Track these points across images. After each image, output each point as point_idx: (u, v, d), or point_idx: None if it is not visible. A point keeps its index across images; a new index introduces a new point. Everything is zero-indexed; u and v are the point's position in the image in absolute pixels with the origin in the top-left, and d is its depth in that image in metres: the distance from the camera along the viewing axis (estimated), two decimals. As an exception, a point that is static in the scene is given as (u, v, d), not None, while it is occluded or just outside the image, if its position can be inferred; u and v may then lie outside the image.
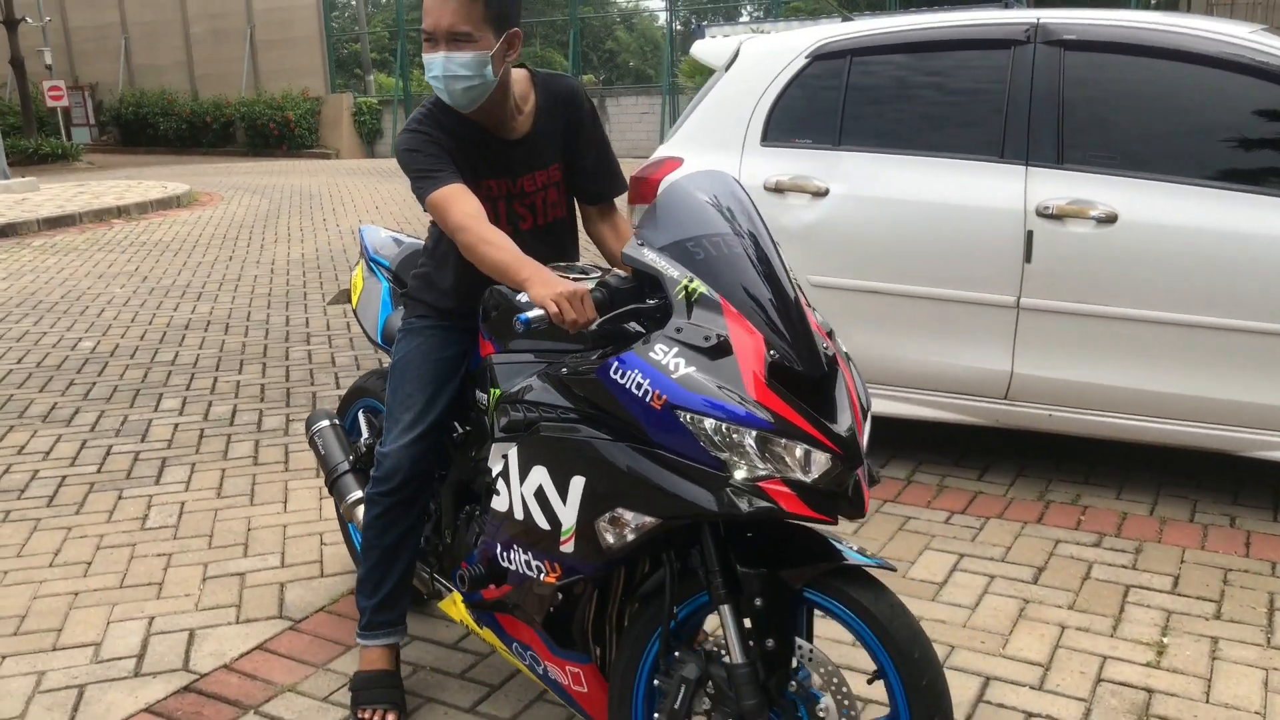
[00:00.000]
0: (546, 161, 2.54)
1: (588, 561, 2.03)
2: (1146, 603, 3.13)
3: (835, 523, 1.86)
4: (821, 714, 1.97)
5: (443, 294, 2.59)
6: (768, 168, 4.14)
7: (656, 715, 2.07)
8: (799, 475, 1.79)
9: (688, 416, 1.82)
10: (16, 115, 24.72)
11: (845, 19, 4.66)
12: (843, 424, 1.84)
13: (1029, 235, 3.71)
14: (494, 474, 2.24)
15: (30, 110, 23.98)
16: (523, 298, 2.24)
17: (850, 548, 1.96)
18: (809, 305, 1.98)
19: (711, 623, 2.17)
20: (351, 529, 3.34)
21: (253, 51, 27.32)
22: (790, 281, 1.96)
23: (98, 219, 11.90)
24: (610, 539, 1.96)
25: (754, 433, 1.78)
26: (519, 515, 2.14)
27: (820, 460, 1.80)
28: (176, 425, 4.93)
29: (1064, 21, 3.82)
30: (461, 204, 2.30)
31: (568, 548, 2.04)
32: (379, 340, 3.05)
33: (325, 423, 3.20)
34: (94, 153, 24.70)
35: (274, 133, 25.40)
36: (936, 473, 4.14)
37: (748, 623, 1.95)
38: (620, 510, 1.92)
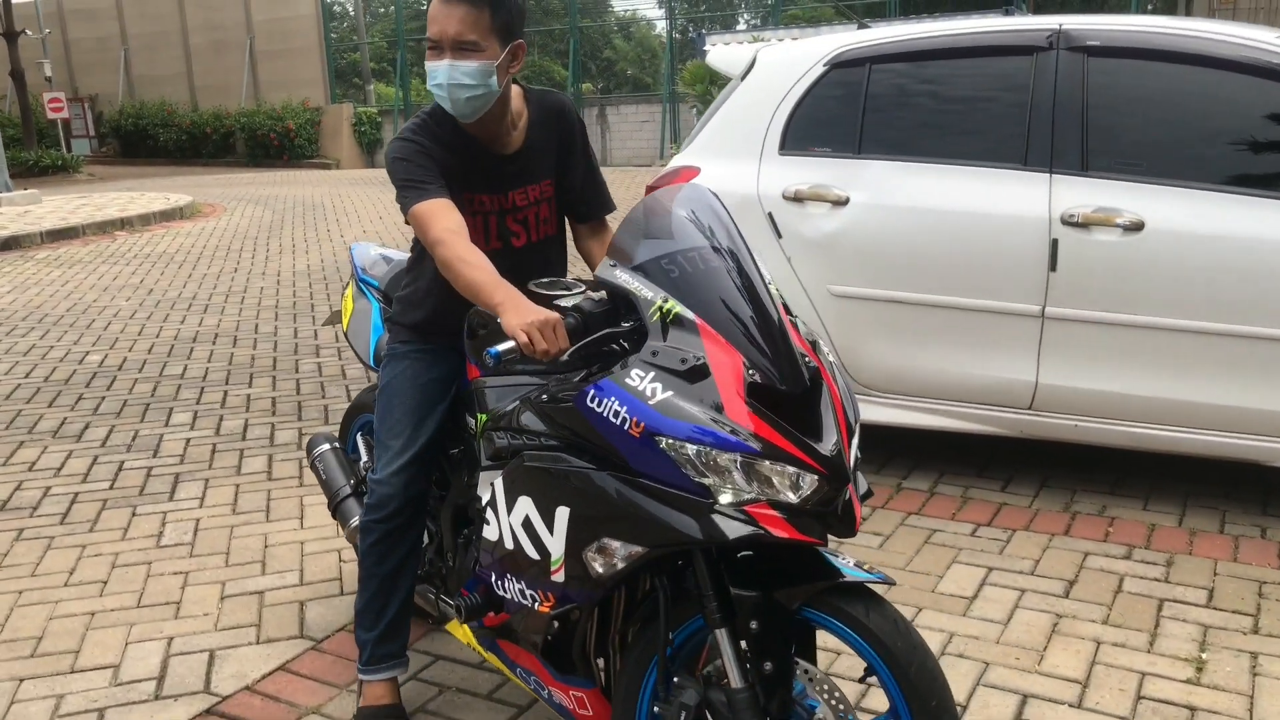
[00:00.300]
0: (538, 177, 2.52)
1: (580, 590, 2.00)
2: (1182, 617, 3.08)
3: (825, 544, 1.83)
4: None
5: (423, 313, 2.56)
6: (787, 176, 4.10)
7: None
8: (785, 497, 1.76)
9: (668, 443, 1.78)
10: (16, 127, 24.69)
11: (861, 26, 4.63)
12: (828, 442, 1.81)
13: (1054, 243, 3.67)
14: (483, 503, 2.21)
15: (30, 122, 23.96)
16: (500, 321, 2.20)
17: (847, 563, 1.92)
18: (791, 317, 1.95)
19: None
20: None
21: (252, 62, 27.30)
22: (770, 295, 1.93)
23: (101, 231, 11.86)
24: (599, 568, 1.93)
25: (737, 457, 1.74)
26: (509, 545, 2.11)
27: (806, 482, 1.76)
28: (188, 440, 4.88)
29: (1087, 27, 3.78)
30: (444, 218, 2.26)
31: (558, 577, 2.01)
32: (371, 363, 3.00)
33: (325, 446, 3.16)
34: (94, 164, 24.69)
35: (274, 143, 25.38)
36: (960, 484, 4.09)
37: (745, 645, 1.91)
38: (607, 540, 1.89)
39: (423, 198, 2.30)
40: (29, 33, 23.74)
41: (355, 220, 12.38)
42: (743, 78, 4.40)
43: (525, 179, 2.50)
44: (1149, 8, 23.42)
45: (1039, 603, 3.18)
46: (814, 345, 2.00)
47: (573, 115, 2.59)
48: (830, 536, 1.86)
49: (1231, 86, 3.61)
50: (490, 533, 2.17)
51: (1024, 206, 3.72)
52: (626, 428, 1.82)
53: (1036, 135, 3.76)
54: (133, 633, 3.17)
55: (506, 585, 2.17)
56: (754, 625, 1.88)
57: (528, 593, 2.12)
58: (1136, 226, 3.57)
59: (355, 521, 2.92)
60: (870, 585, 1.89)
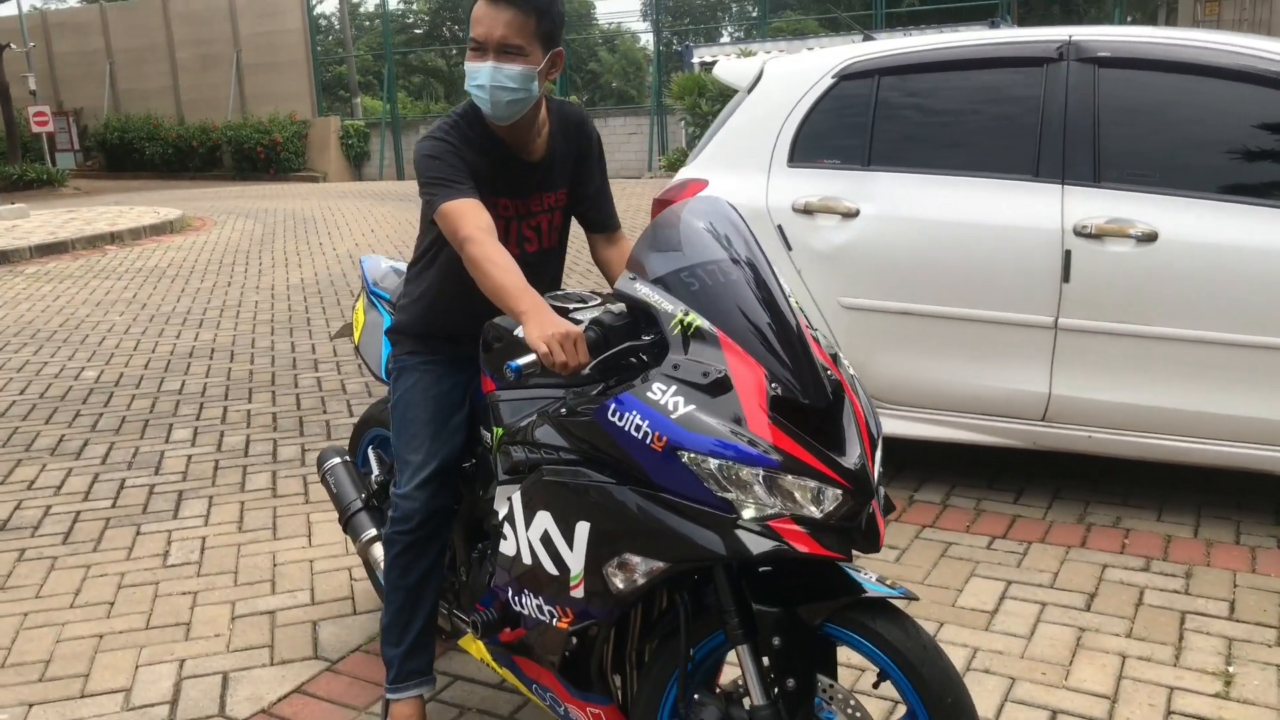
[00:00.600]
0: (556, 186, 2.55)
1: (599, 606, 1.98)
2: (1205, 629, 3.06)
3: (850, 559, 1.81)
4: None
5: (428, 321, 2.56)
6: (796, 189, 4.08)
7: None
8: (808, 512, 1.74)
9: (690, 457, 1.76)
10: (1, 141, 24.52)
11: (866, 38, 4.62)
12: (851, 456, 1.79)
13: (1067, 255, 3.66)
14: (500, 517, 2.19)
15: (15, 136, 23.77)
16: (520, 331, 2.18)
17: (870, 578, 1.90)
18: (812, 330, 1.93)
19: (732, 660, 2.09)
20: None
21: (239, 76, 27.21)
22: (790, 307, 1.91)
23: (91, 245, 11.77)
24: (620, 584, 1.91)
25: (759, 471, 1.73)
26: (527, 560, 2.09)
27: (830, 496, 1.74)
28: (190, 457, 4.82)
29: (1097, 39, 3.78)
30: (475, 217, 2.26)
31: (577, 593, 1.99)
32: (382, 375, 2.97)
33: (336, 460, 3.13)
34: (79, 178, 24.52)
35: (261, 156, 25.30)
36: (972, 496, 4.07)
37: (766, 661, 1.89)
38: (628, 555, 1.88)
39: (454, 196, 2.29)
40: (13, 46, 23.58)
41: (347, 233, 12.32)
42: (750, 90, 4.38)
43: (545, 186, 2.52)
44: (1129, 19, 23.60)
45: (1061, 616, 3.15)
46: (835, 358, 1.99)
47: (590, 127, 2.61)
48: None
49: (1243, 97, 3.61)
50: (507, 548, 2.15)
51: (1036, 218, 3.71)
52: (648, 442, 1.80)
53: (1048, 146, 3.75)
54: (143, 655, 3.12)
55: (524, 601, 2.15)
56: (776, 641, 1.86)
57: (545, 608, 2.10)
58: (1150, 237, 3.56)
59: (366, 535, 2.92)
60: (893, 601, 1.87)
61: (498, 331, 2.28)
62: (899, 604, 1.89)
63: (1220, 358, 3.53)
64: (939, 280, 3.86)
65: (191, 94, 27.75)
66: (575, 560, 1.97)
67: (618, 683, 2.24)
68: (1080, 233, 3.64)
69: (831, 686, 1.93)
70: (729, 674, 2.15)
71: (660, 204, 4.31)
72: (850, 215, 3.98)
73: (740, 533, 1.74)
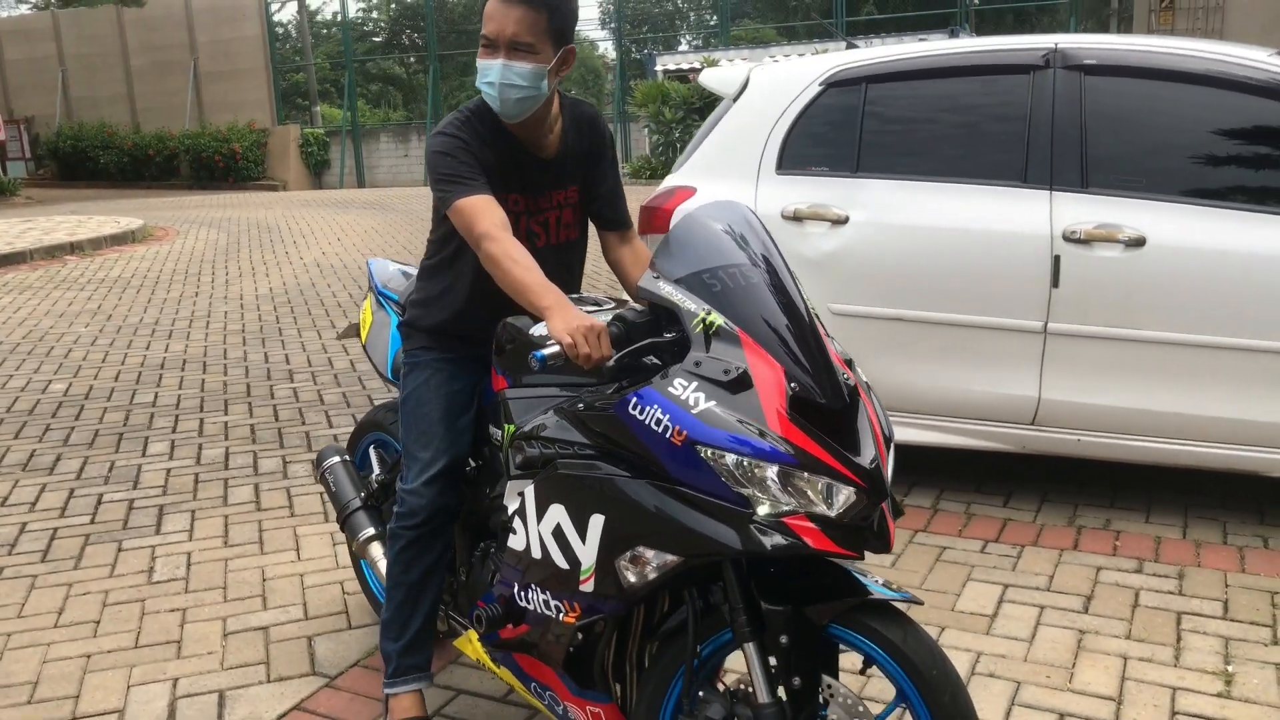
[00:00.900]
0: (566, 183, 2.55)
1: (608, 601, 2.00)
2: (1202, 630, 3.09)
3: (862, 558, 1.84)
4: None
5: (442, 311, 2.57)
6: (785, 196, 4.09)
7: None
8: (823, 510, 1.77)
9: (709, 452, 1.79)
10: (-50, 150, 24.07)
11: (850, 46, 4.65)
12: (866, 456, 1.82)
13: (1056, 260, 3.69)
14: (510, 512, 2.19)
15: (-35, 145, 23.36)
16: (537, 330, 2.21)
17: (875, 581, 1.93)
18: (828, 335, 1.97)
19: (734, 660, 2.13)
20: (364, 567, 3.27)
21: (196, 84, 26.88)
22: (809, 311, 1.95)
23: (50, 256, 11.55)
24: (631, 578, 1.92)
25: (776, 468, 1.76)
26: (537, 554, 2.10)
27: (844, 494, 1.78)
28: (169, 470, 4.73)
29: (1082, 46, 3.82)
30: (491, 213, 2.27)
31: (587, 587, 2.00)
32: (389, 374, 2.99)
33: (335, 459, 3.13)
34: (31, 188, 24.06)
35: (220, 165, 25.00)
36: (961, 500, 4.09)
37: (772, 660, 1.92)
38: (641, 549, 1.90)
39: (468, 192, 2.29)
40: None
41: (313, 242, 12.19)
42: (735, 98, 4.38)
43: (556, 184, 2.52)
44: (1081, 27, 23.95)
45: (1060, 619, 3.17)
46: (849, 363, 2.01)
47: (603, 125, 2.62)
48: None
49: (1227, 104, 3.67)
50: (517, 542, 2.17)
51: (1026, 223, 3.74)
52: (668, 436, 1.83)
53: (1036, 153, 3.79)
54: (134, 674, 3.05)
55: (530, 596, 2.16)
56: (783, 640, 1.89)
57: (553, 603, 2.11)
58: (1138, 242, 3.60)
59: (365, 534, 2.93)
60: (898, 605, 1.90)
61: (512, 331, 2.28)
62: (901, 607, 1.92)
63: (1208, 361, 3.58)
64: (929, 286, 3.88)
65: (147, 102, 27.37)
66: (587, 554, 1.98)
67: (618, 691, 2.25)
68: (1069, 238, 3.67)
69: (834, 687, 1.95)
70: (729, 678, 2.15)
71: (647, 211, 4.31)
72: (840, 222, 3.99)
73: (755, 529, 1.77)
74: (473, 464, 2.59)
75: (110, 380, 6.35)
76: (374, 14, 45.35)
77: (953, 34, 19.43)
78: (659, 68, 22.46)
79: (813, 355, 1.87)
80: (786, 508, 1.77)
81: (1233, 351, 3.55)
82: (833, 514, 1.78)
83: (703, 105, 19.92)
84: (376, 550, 2.88)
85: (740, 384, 1.82)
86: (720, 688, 2.05)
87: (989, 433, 3.93)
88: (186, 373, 6.46)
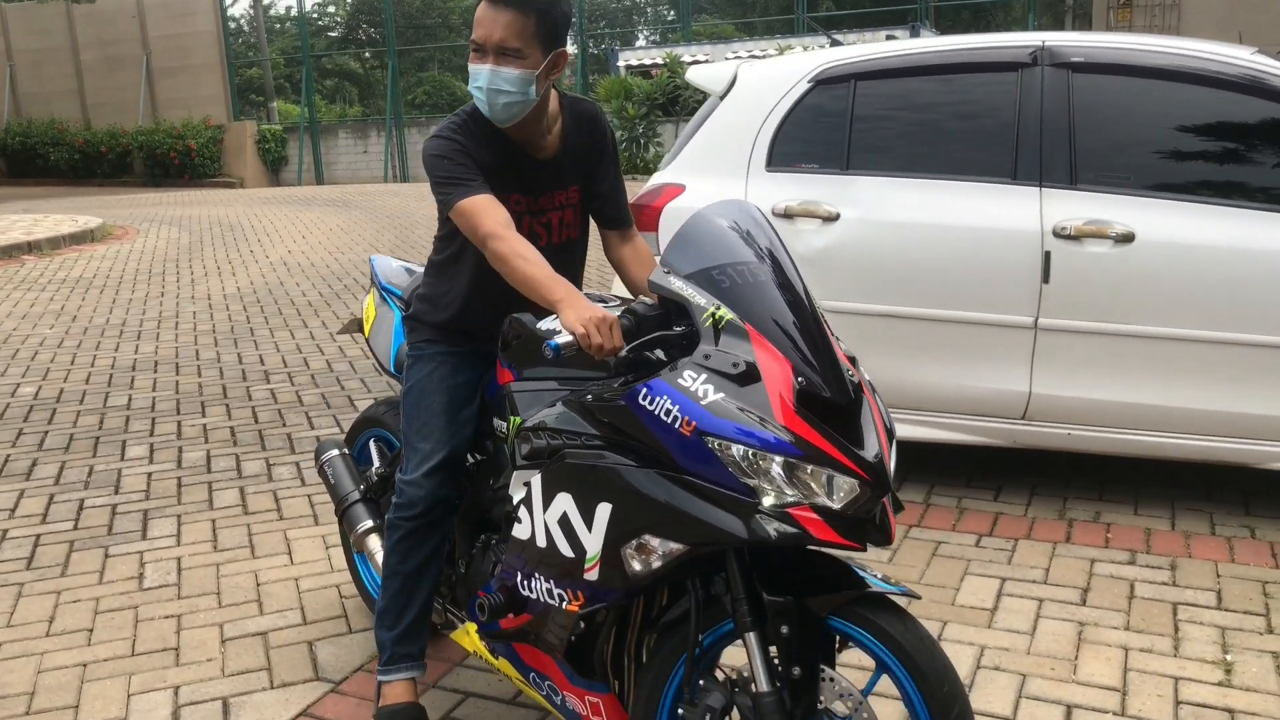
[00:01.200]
0: (567, 183, 2.56)
1: (612, 589, 2.03)
2: (1197, 620, 3.14)
3: (864, 549, 1.88)
4: None
5: (449, 308, 2.59)
6: (775, 193, 4.09)
7: None
8: (827, 502, 1.82)
9: (717, 443, 1.83)
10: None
11: (834, 43, 4.67)
12: (870, 450, 1.87)
13: (1047, 256, 3.73)
14: (515, 502, 2.22)
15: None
16: (544, 325, 2.25)
17: (874, 575, 1.98)
18: (833, 333, 2.01)
19: (730, 653, 2.16)
20: (359, 561, 3.29)
21: (149, 79, 26.42)
22: (814, 309, 1.99)
23: (6, 255, 11.29)
24: (636, 566, 1.96)
25: (782, 459, 1.80)
26: (541, 543, 2.13)
27: (848, 486, 1.82)
28: (150, 474, 4.65)
29: (1069, 44, 3.87)
30: (493, 213, 2.30)
31: (592, 575, 2.03)
32: (391, 369, 3.02)
33: (335, 452, 3.16)
34: (-20, 185, 23.59)
35: (175, 162, 24.61)
36: (952, 495, 4.13)
37: (773, 651, 1.96)
38: (648, 537, 1.93)
39: (468, 193, 2.31)
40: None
41: (278, 240, 12.04)
42: (723, 96, 4.38)
43: (556, 184, 2.53)
44: (1038, 24, 24.23)
45: (1059, 611, 3.21)
46: (853, 360, 2.06)
47: (604, 124, 2.62)
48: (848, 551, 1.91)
49: (1211, 101, 3.73)
50: (521, 531, 2.19)
51: (1016, 220, 3.78)
52: (678, 426, 1.86)
53: (1025, 150, 3.83)
54: (133, 683, 2.99)
55: (533, 585, 2.19)
56: (784, 630, 1.92)
57: (556, 592, 2.13)
58: (1127, 238, 3.65)
59: (363, 526, 2.95)
60: (895, 599, 1.95)
61: (518, 327, 2.33)
62: (901, 601, 1.96)
63: (1197, 355, 3.64)
64: (921, 283, 3.91)
65: (98, 97, 26.86)
66: (593, 542, 2.01)
67: (614, 684, 2.27)
68: (1059, 234, 3.71)
69: (832, 678, 1.99)
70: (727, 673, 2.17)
71: (634, 209, 4.28)
72: (831, 219, 4.01)
73: (761, 518, 1.81)
74: (475, 458, 2.62)
75: (81, 383, 6.23)
76: (330, 8, 44.87)
77: (914, 31, 19.59)
78: (621, 63, 22.41)
79: (819, 351, 1.91)
80: (791, 498, 1.81)
81: (1221, 345, 3.61)
82: (836, 506, 1.82)
83: (665, 101, 19.93)
84: (374, 543, 2.91)
85: (748, 377, 1.86)
86: (720, 677, 2.09)
87: (980, 428, 3.97)
88: (159, 374, 6.35)
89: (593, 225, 2.68)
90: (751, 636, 1.93)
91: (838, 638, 2.00)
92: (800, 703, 1.95)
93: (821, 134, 4.14)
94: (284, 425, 5.30)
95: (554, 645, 2.20)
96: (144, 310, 8.31)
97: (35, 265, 10.85)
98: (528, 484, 2.16)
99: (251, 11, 37.27)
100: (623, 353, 2.03)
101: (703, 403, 1.85)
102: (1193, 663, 2.91)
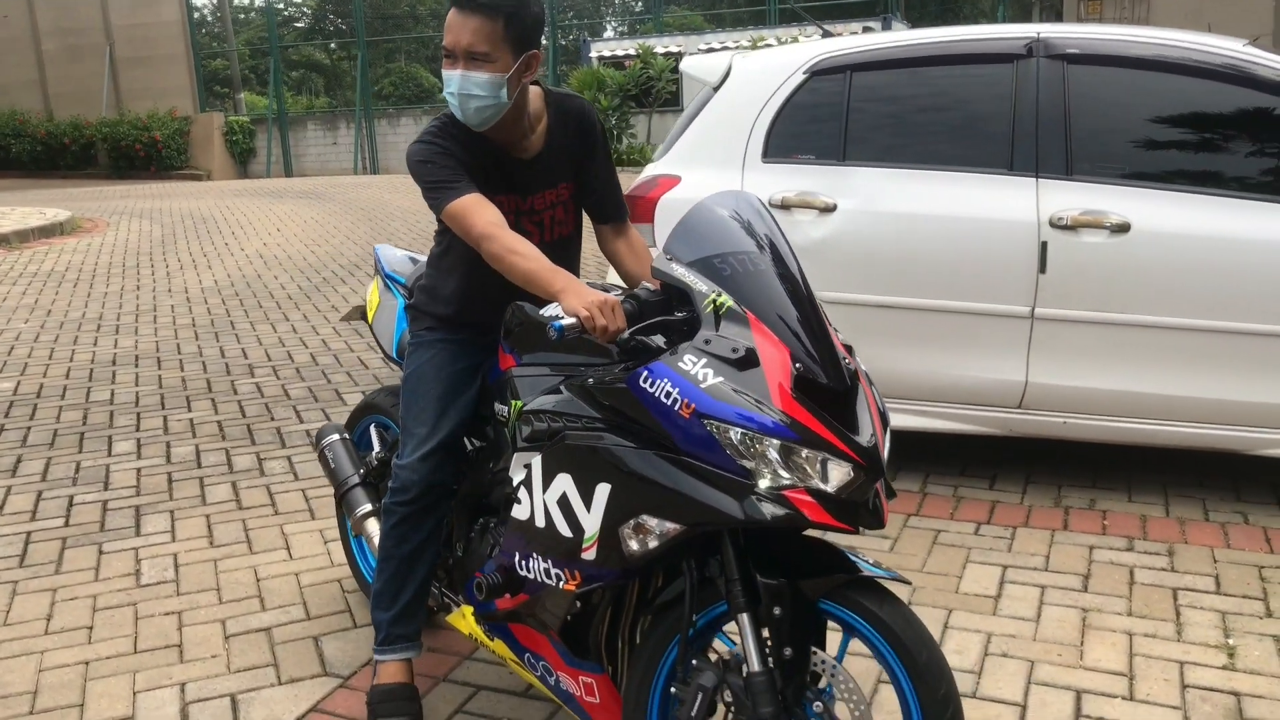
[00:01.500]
0: (556, 180, 2.57)
1: (609, 569, 2.07)
2: (1198, 605, 3.19)
3: (857, 532, 1.94)
4: None
5: (448, 303, 2.62)
6: (772, 184, 4.10)
7: None
8: (821, 485, 1.86)
9: (715, 425, 1.87)
10: None
11: (826, 34, 4.68)
12: (864, 435, 1.91)
13: (1043, 246, 3.76)
14: (515, 483, 2.26)
15: None
16: (546, 312, 2.29)
17: (866, 560, 2.03)
18: (830, 322, 2.05)
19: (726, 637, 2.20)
20: (356, 545, 3.31)
21: (113, 69, 26.05)
22: (813, 299, 2.04)
23: (-26, 249, 11.12)
24: (634, 546, 1.99)
25: (779, 443, 1.84)
26: (540, 523, 2.17)
27: (843, 470, 1.87)
28: (139, 470, 4.59)
29: (1065, 36, 3.90)
30: (484, 212, 2.33)
31: (589, 555, 2.07)
32: (394, 355, 3.06)
33: (335, 436, 3.20)
34: (-61, 178, 23.18)
35: (140, 154, 24.27)
36: (948, 484, 4.16)
37: (765, 632, 2.00)
38: (645, 517, 1.96)
39: (457, 195, 2.36)
40: None
41: (252, 233, 11.91)
42: (717, 87, 4.38)
43: (543, 182, 2.54)
44: (1008, 15, 24.38)
45: (1062, 598, 3.24)
46: (849, 349, 2.11)
47: (593, 119, 2.63)
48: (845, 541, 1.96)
49: (1204, 92, 3.77)
50: (521, 512, 2.23)
51: (1013, 210, 3.81)
52: (677, 408, 1.90)
53: (1021, 140, 3.85)
54: (138, 680, 2.96)
55: (531, 565, 2.23)
56: (776, 611, 1.96)
57: (554, 571, 2.17)
58: (1123, 228, 3.69)
59: (362, 510, 2.99)
60: (887, 584, 2.01)
61: (521, 315, 2.37)
62: (893, 588, 2.03)
63: (1191, 343, 3.68)
64: (917, 273, 3.93)
65: (61, 88, 26.45)
66: (591, 522, 2.05)
67: (610, 670, 2.31)
68: (1056, 224, 3.74)
69: (824, 659, 2.03)
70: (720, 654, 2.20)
71: (632, 200, 4.28)
72: (828, 210, 4.02)
73: (756, 499, 1.85)
74: (475, 444, 2.65)
75: (61, 378, 6.14)
76: (296, -1, 44.41)
77: (885, 24, 19.67)
78: (594, 54, 22.35)
79: (816, 338, 1.95)
80: (787, 481, 1.85)
81: (1215, 334, 3.66)
82: (830, 489, 1.86)
83: (639, 92, 19.91)
84: (373, 526, 2.94)
85: (747, 362, 1.90)
86: (713, 657, 2.13)
87: (977, 417, 4.00)
88: (141, 369, 6.27)
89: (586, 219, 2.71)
90: (744, 617, 1.97)
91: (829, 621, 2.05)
92: (791, 682, 2.00)
93: (817, 125, 4.15)
94: (272, 419, 5.25)
95: (550, 625, 2.25)
96: (120, 304, 8.20)
97: (4, 258, 10.68)
98: (528, 465, 2.20)
99: (215, 1, 36.81)
100: (624, 335, 2.08)
101: (702, 386, 1.89)
102: (1196, 647, 2.96)
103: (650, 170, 4.40)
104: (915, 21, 26.95)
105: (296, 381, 5.91)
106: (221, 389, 5.81)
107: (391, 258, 3.24)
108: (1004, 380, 3.91)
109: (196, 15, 36.02)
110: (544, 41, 2.91)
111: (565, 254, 2.61)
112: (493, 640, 2.50)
